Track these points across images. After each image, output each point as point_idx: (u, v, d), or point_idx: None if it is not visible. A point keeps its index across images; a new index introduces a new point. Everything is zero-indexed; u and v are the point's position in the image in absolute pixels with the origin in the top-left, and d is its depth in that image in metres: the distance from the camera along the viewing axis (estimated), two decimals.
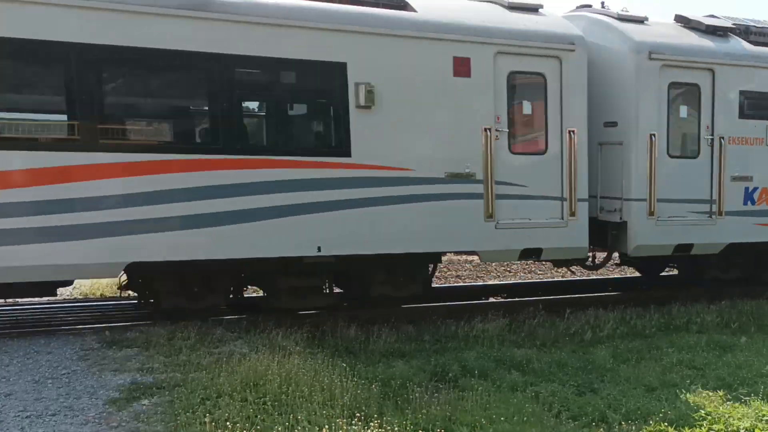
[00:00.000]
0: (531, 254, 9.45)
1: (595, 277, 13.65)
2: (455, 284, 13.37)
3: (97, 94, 7.47)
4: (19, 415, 5.22)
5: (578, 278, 13.67)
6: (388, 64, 8.33)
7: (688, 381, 6.97)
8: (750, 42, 10.75)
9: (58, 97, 7.60)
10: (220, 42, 7.67)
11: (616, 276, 14.61)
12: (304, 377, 5.97)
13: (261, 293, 9.57)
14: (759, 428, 5.76)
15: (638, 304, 10.34)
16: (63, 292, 11.56)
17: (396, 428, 5.17)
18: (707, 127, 10.08)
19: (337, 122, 8.34)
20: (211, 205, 7.67)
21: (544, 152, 9.24)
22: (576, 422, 5.85)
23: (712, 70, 10.04)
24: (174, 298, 8.17)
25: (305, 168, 8.05)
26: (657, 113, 9.72)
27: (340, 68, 8.12)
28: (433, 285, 13.26)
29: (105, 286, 11.57)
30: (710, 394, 6.60)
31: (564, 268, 12.49)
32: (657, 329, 9.19)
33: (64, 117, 7.41)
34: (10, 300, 10.55)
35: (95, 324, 8.56)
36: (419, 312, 9.51)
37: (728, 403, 6.32)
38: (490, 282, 13.71)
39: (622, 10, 10.41)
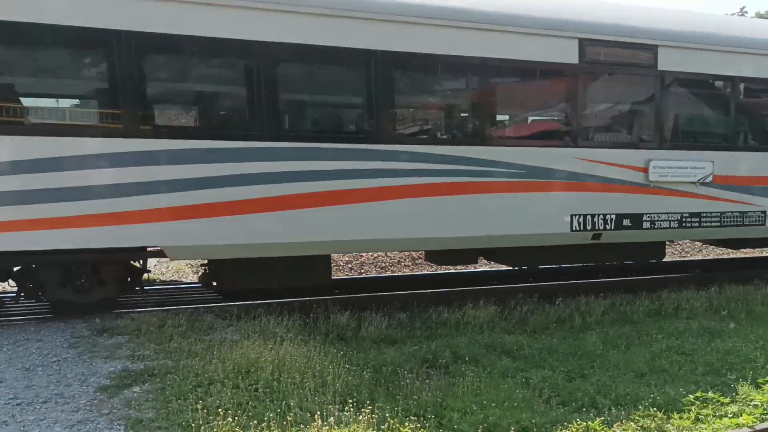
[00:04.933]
0: None
1: (586, 265, 13.68)
2: (446, 271, 13.40)
3: None
4: (9, 403, 5.20)
5: (569, 266, 13.71)
6: None
7: (677, 367, 7.03)
8: None
9: None
10: None
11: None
12: (295, 364, 5.97)
13: None
14: (746, 413, 5.82)
15: (628, 290, 10.41)
16: None
17: (387, 414, 5.19)
18: None
19: None
20: None
21: None
22: (566, 408, 5.89)
23: None
24: None
25: None
26: None
27: None
28: (423, 272, 13.32)
29: None
30: (699, 379, 6.66)
31: None
32: (646, 315, 9.25)
33: None
34: None
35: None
36: (410, 298, 9.54)
37: (716, 388, 6.37)
38: (481, 269, 13.74)
39: None
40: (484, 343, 7.50)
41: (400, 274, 13.18)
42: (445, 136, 9.10)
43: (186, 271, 12.30)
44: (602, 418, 5.62)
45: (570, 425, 5.45)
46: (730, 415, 5.80)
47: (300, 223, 7.94)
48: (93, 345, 6.74)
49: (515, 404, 5.73)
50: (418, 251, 12.99)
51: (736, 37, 10.44)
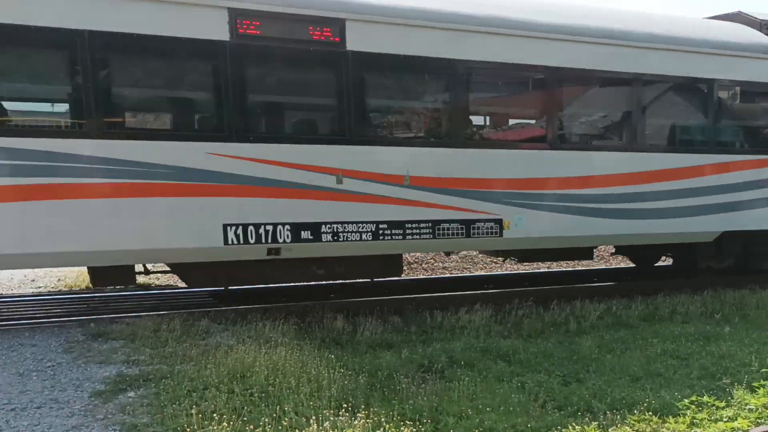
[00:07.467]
0: None
1: (581, 268, 13.75)
2: (441, 275, 13.42)
3: None
4: (3, 408, 5.18)
5: (564, 269, 13.75)
6: None
7: (673, 371, 7.04)
8: None
9: None
10: None
11: (602, 267, 14.72)
12: (291, 369, 5.97)
13: None
14: (742, 417, 5.83)
15: (624, 295, 10.42)
16: (48, 284, 11.48)
17: (383, 419, 5.19)
18: None
19: None
20: None
21: None
22: (561, 412, 5.89)
23: None
24: None
25: None
26: None
27: None
28: (421, 276, 13.32)
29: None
30: (694, 383, 6.67)
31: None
32: (642, 319, 9.26)
33: None
34: None
35: (80, 316, 8.52)
36: (405, 303, 9.54)
37: (712, 392, 6.38)
38: (477, 273, 13.77)
39: None
40: (479, 348, 7.50)
41: (397, 278, 13.18)
42: None
43: None
44: (598, 422, 5.62)
45: (566, 430, 5.45)
46: (726, 419, 5.81)
47: None
48: (88, 350, 6.72)
49: (511, 409, 5.73)
50: None
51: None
